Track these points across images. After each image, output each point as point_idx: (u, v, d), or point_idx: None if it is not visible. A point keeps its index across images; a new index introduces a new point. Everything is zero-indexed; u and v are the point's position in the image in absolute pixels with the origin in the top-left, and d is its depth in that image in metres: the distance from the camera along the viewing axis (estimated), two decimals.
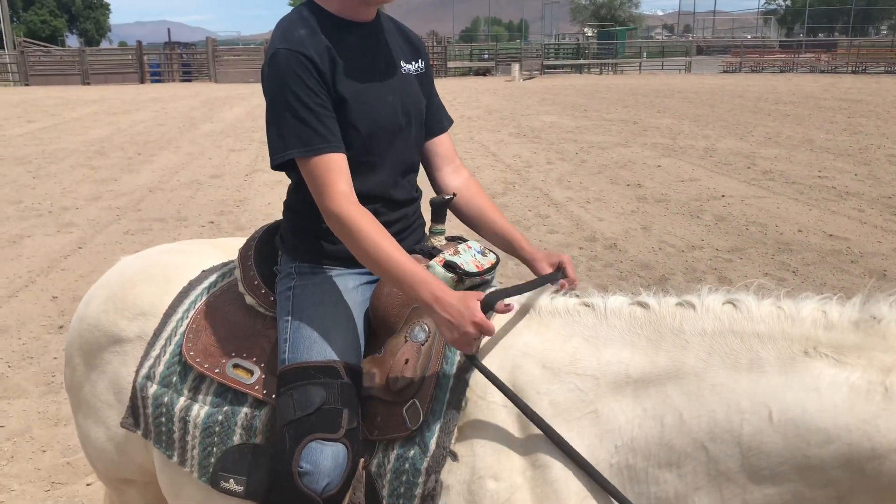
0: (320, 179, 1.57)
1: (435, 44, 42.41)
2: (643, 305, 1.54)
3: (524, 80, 34.69)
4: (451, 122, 1.99)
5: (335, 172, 1.57)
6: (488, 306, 1.51)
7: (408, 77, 1.79)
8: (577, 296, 1.65)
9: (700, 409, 1.36)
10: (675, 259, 6.53)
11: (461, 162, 1.98)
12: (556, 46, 51.94)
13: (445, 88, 29.81)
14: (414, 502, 1.47)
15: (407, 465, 1.50)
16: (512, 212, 8.39)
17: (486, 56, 45.37)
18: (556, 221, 7.94)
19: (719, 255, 6.62)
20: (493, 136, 14.79)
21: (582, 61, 43.56)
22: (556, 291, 1.69)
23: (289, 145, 1.59)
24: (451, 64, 41.50)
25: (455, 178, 1.92)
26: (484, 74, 40.74)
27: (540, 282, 1.71)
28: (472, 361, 1.51)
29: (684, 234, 7.35)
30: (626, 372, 1.44)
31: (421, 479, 1.48)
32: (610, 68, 42.38)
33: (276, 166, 1.65)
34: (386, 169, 1.73)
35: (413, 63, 1.83)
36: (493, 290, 1.74)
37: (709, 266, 6.31)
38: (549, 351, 1.53)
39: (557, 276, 1.74)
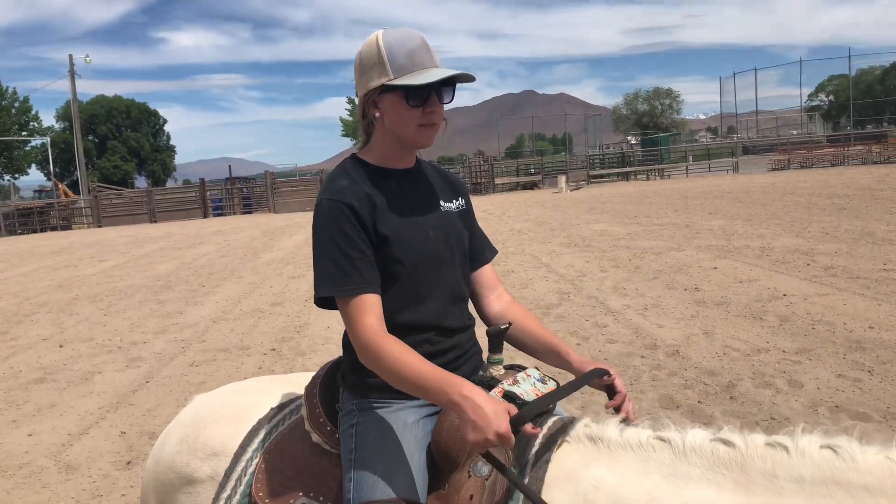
0: (350, 317, 1.69)
1: (482, 162, 43.73)
2: (727, 443, 1.46)
3: (571, 190, 35.20)
4: (494, 252, 2.09)
5: (364, 310, 1.67)
6: (517, 424, 1.51)
7: (449, 214, 1.91)
8: (650, 428, 1.59)
9: None
10: (740, 364, 6.33)
11: (504, 289, 2.05)
12: (601, 156, 52.87)
13: (494, 203, 30.43)
14: None
15: None
16: (569, 322, 8.34)
17: (533, 170, 46.40)
18: (615, 330, 7.85)
19: (787, 358, 6.40)
20: (545, 248, 14.91)
21: (628, 169, 44.09)
22: (621, 419, 1.67)
23: (326, 286, 1.73)
24: (498, 180, 42.49)
25: (498, 303, 2.00)
26: (531, 188, 41.53)
27: (582, 381, 1.71)
28: (513, 481, 1.50)
29: (748, 336, 7.16)
30: None
31: None
32: (657, 174, 42.74)
33: (316, 302, 1.79)
34: (435, 299, 1.81)
35: (454, 201, 1.96)
36: (558, 418, 1.74)
37: (777, 369, 6.09)
38: (624, 487, 1.47)
39: (595, 374, 1.73)
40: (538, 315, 8.86)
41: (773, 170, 39.70)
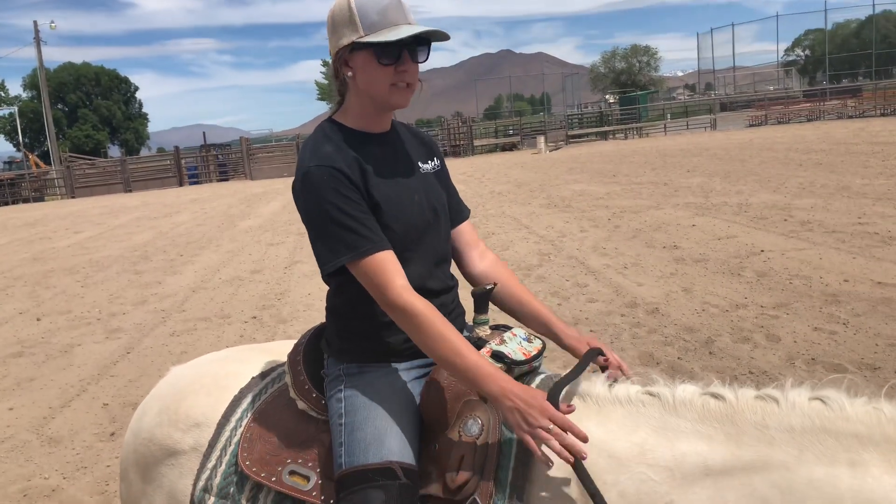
0: (377, 278, 1.64)
1: (460, 124, 43.39)
2: (717, 397, 1.49)
3: (550, 151, 35.14)
4: (468, 210, 2.08)
5: (389, 269, 1.64)
6: (552, 403, 1.51)
7: (427, 176, 1.89)
8: (640, 384, 1.61)
9: (794, 502, 1.29)
10: (719, 319, 6.41)
11: (486, 247, 2.04)
12: (580, 116, 52.72)
13: (474, 166, 30.32)
14: None
15: None
16: (549, 283, 8.38)
17: (511, 131, 46.22)
18: (595, 290, 7.90)
19: (765, 312, 6.49)
20: (525, 209, 14.92)
21: (606, 128, 44.05)
22: (609, 378, 1.68)
23: (339, 253, 1.66)
24: (477, 142, 42.28)
25: (482, 262, 1.99)
26: (510, 149, 41.39)
27: (585, 362, 1.71)
28: (576, 470, 1.48)
29: (726, 293, 7.25)
30: (705, 464, 1.39)
31: None
32: (635, 132, 42.73)
33: (327, 275, 1.72)
34: (419, 262, 1.79)
35: (430, 162, 1.94)
36: (545, 376, 1.74)
37: (755, 324, 6.18)
38: (615, 441, 1.50)
39: (593, 355, 1.74)
40: (519, 276, 8.89)
41: (751, 126, 39.84)
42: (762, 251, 8.90)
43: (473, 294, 1.85)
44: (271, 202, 22.36)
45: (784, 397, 1.42)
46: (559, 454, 1.44)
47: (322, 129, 1.82)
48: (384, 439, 1.62)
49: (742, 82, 70.74)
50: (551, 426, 1.45)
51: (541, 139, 36.07)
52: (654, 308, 6.96)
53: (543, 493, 1.49)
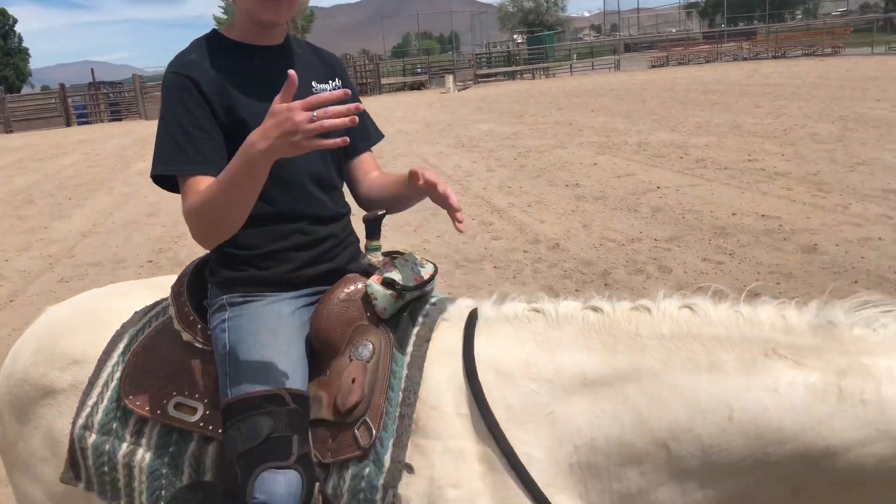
0: (183, 195, 1.62)
1: (367, 61, 42.50)
2: (596, 310, 1.55)
3: (459, 90, 34.97)
4: (379, 137, 2.01)
5: (193, 189, 1.60)
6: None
7: None
8: (526, 302, 1.66)
9: (660, 409, 1.38)
10: (615, 253, 6.65)
11: (380, 171, 1.98)
12: (488, 55, 52.52)
13: (382, 104, 29.85)
14: None
15: (363, 484, 1.49)
16: None
17: (420, 70, 45.64)
18: (500, 227, 8.02)
19: (658, 245, 6.77)
20: (433, 149, 14.87)
21: (514, 68, 44.13)
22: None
23: (159, 162, 1.65)
24: (384, 80, 41.58)
25: (366, 185, 1.94)
26: (419, 88, 40.93)
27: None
28: (470, 386, 1.50)
29: (623, 228, 7.50)
30: (583, 374, 1.46)
31: (378, 496, 1.47)
32: (542, 72, 43.02)
33: (154, 180, 1.70)
34: (303, 187, 1.74)
35: (330, 82, 1.84)
36: (438, 299, 1.76)
37: (648, 257, 6.45)
38: (501, 357, 1.54)
39: (411, 179, 1.67)
40: (426, 216, 8.92)
41: (653, 67, 40.80)
42: (658, 188, 9.23)
43: (364, 220, 1.82)
44: None
45: (656, 307, 1.50)
46: (341, 125, 1.35)
47: (199, 39, 1.76)
48: (271, 367, 1.60)
49: (646, 24, 72.08)
50: (312, 114, 1.35)
51: (449, 78, 35.78)
52: (556, 244, 7.14)
53: (433, 411, 1.52)
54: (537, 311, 1.60)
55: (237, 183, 1.48)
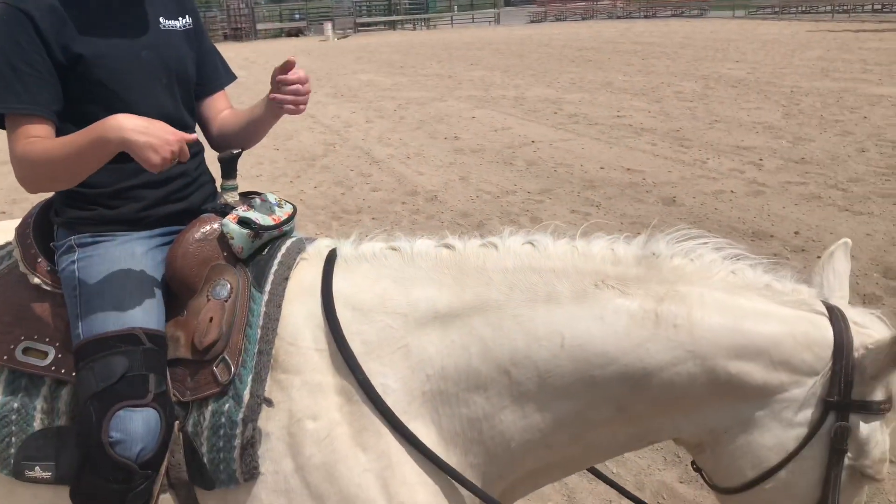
0: (10, 136, 1.55)
1: (242, 5, 40.62)
2: (448, 247, 1.63)
3: (338, 39, 34.18)
4: (232, 78, 1.96)
5: (21, 130, 1.54)
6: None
7: (170, 33, 1.74)
8: (383, 241, 1.71)
9: (502, 338, 1.48)
10: (491, 205, 6.84)
11: (231, 110, 1.94)
12: (368, 4, 51.45)
13: (256, 51, 28.73)
14: (234, 453, 1.48)
15: (223, 419, 1.50)
16: (334, 172, 8.37)
17: (298, 16, 44.14)
18: (379, 179, 8.02)
19: (531, 198, 7.01)
20: (311, 98, 14.51)
21: (395, 17, 43.52)
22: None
23: None
24: (260, 26, 39.97)
25: (217, 125, 1.90)
26: (296, 35, 39.68)
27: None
28: (327, 320, 1.54)
29: (499, 180, 7.70)
30: (434, 308, 1.53)
31: (238, 430, 1.49)
32: (423, 24, 42.69)
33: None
34: None
35: (179, 19, 1.78)
36: (296, 240, 1.77)
37: (521, 209, 6.67)
38: (358, 293, 1.58)
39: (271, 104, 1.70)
40: (303, 167, 8.77)
41: (532, 22, 41.43)
42: (533, 142, 9.50)
43: (219, 159, 1.79)
44: None
45: (502, 243, 1.60)
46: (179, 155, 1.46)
47: None
48: (125, 307, 1.57)
49: None
50: (174, 138, 1.44)
51: (328, 26, 34.91)
52: (434, 196, 7.24)
53: (291, 347, 1.56)
54: (394, 249, 1.66)
55: (85, 153, 1.48)
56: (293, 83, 1.65)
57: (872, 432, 1.41)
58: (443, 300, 1.54)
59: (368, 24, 41.98)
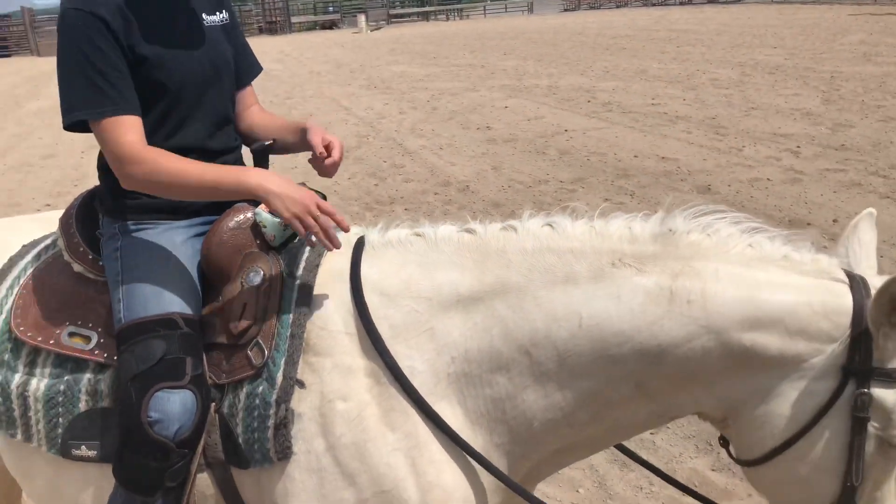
0: (108, 138, 1.59)
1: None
2: (470, 231, 1.66)
3: (371, 31, 34.28)
4: (259, 70, 2.02)
5: (126, 129, 1.58)
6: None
7: (213, 29, 1.79)
8: (408, 227, 1.74)
9: (522, 319, 1.51)
10: (523, 195, 6.83)
11: (259, 106, 2.00)
12: None
13: (292, 44, 28.98)
14: (268, 433, 1.53)
15: (257, 401, 1.55)
16: (367, 164, 8.43)
17: (331, 9, 44.36)
18: (411, 170, 8.06)
19: (563, 187, 6.99)
20: (344, 90, 14.62)
21: (428, 8, 43.49)
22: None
23: (78, 107, 1.59)
24: (294, 19, 40.26)
25: (247, 119, 1.95)
26: (330, 28, 39.89)
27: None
28: (356, 306, 1.61)
29: (531, 170, 7.69)
30: (457, 291, 1.57)
31: (272, 411, 1.54)
32: (456, 14, 42.59)
33: (67, 127, 1.65)
34: (199, 122, 1.75)
35: (217, 14, 1.83)
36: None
37: (554, 198, 6.65)
38: (385, 279, 1.63)
39: (304, 135, 1.79)
40: None
41: (565, 10, 41.07)
42: (566, 130, 9.45)
43: (252, 150, 1.84)
44: None
45: (522, 226, 1.63)
46: (322, 241, 1.55)
47: None
48: (164, 292, 1.63)
49: None
50: (318, 213, 1.55)
51: (362, 18, 35.01)
52: (466, 186, 7.26)
53: (322, 331, 1.60)
54: (419, 235, 1.70)
55: (212, 188, 1.59)
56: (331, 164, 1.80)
57: None
58: (465, 283, 1.57)
59: (401, 16, 42.02)
